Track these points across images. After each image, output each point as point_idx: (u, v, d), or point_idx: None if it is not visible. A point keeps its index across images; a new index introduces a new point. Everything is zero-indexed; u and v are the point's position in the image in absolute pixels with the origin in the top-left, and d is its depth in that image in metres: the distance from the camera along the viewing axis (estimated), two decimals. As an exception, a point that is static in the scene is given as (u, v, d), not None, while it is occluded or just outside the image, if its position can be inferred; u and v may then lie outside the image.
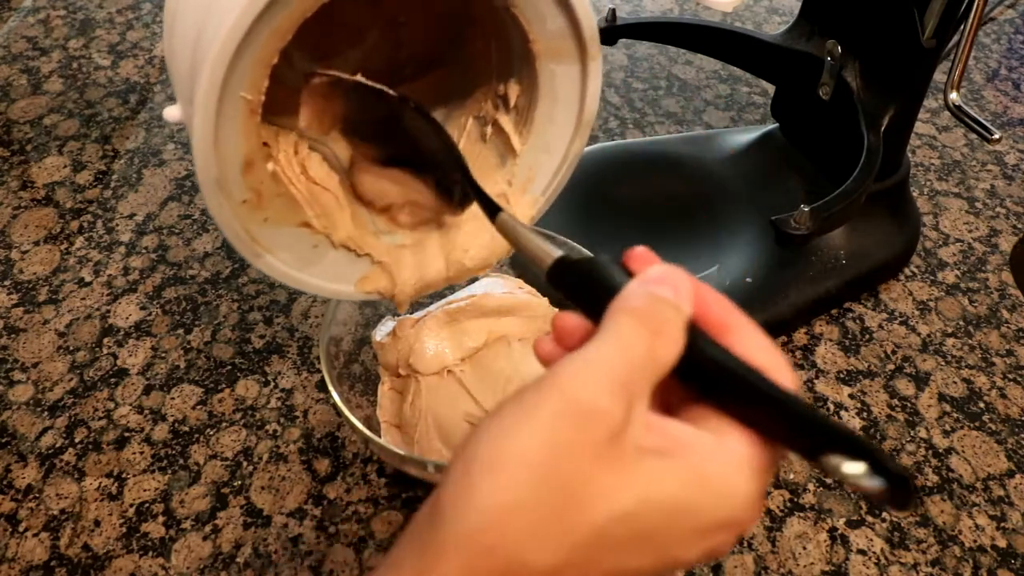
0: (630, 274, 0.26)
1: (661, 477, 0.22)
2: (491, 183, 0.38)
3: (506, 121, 0.38)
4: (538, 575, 0.21)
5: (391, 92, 0.32)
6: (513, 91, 0.37)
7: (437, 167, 0.34)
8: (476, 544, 0.21)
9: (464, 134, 0.39)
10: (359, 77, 0.33)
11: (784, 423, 0.23)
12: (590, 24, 0.33)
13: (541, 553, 0.21)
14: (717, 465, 0.23)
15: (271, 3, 0.26)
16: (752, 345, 0.24)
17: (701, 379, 0.24)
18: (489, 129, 0.39)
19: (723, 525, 0.23)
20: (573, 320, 0.26)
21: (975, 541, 0.45)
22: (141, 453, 0.48)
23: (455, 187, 0.34)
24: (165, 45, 0.32)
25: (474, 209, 0.38)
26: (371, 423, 0.45)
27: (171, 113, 0.31)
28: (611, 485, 0.22)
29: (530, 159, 0.38)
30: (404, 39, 0.39)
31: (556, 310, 0.49)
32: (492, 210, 0.31)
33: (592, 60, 0.34)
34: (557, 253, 0.27)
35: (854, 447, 0.21)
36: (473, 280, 0.50)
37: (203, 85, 0.27)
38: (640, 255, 0.26)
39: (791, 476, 0.47)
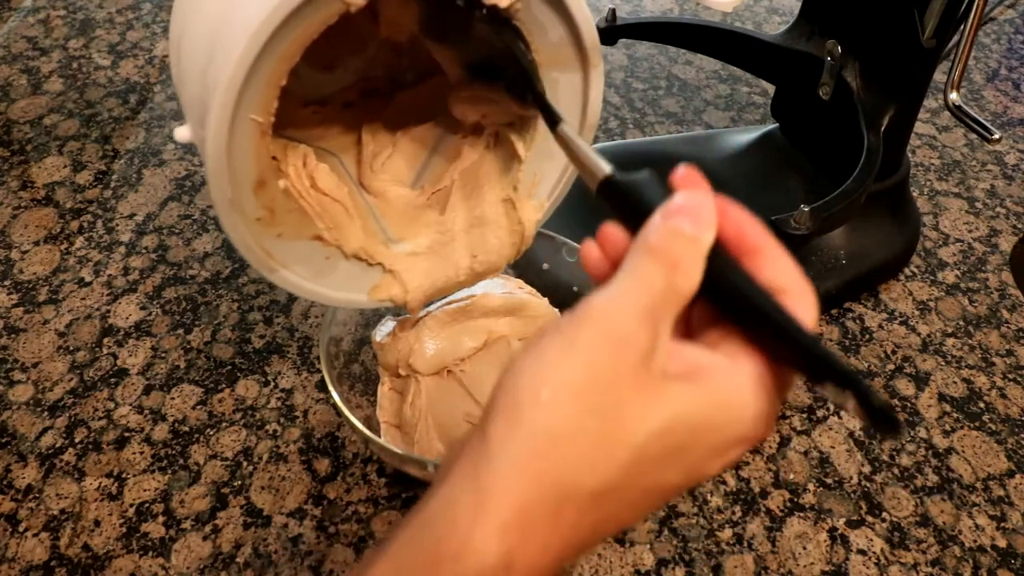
0: (671, 194, 0.26)
1: (685, 399, 0.23)
2: (497, 189, 0.38)
3: (510, 129, 0.38)
4: (589, 495, 0.23)
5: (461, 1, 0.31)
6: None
7: (507, 73, 0.34)
8: (530, 471, 0.22)
9: (468, 142, 0.39)
10: None
11: (790, 350, 0.24)
12: (591, 34, 0.33)
13: (591, 475, 0.22)
14: (732, 386, 0.24)
15: (280, 28, 0.27)
16: (779, 268, 0.25)
17: (721, 303, 0.25)
18: (494, 137, 0.39)
19: (740, 440, 0.25)
20: (618, 232, 0.27)
21: (975, 541, 0.45)
22: (141, 453, 0.48)
23: (524, 92, 0.34)
24: (173, 66, 0.33)
25: (481, 213, 0.38)
26: (371, 423, 0.45)
27: (182, 134, 0.31)
28: (645, 406, 0.23)
29: (535, 165, 0.38)
30: (405, 48, 0.40)
31: (556, 311, 0.49)
32: (553, 120, 0.31)
33: (593, 68, 0.35)
34: (607, 170, 0.28)
35: (846, 379, 0.23)
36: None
37: (215, 111, 0.27)
38: (684, 177, 0.27)
39: (791, 476, 0.47)
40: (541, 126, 0.37)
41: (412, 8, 0.35)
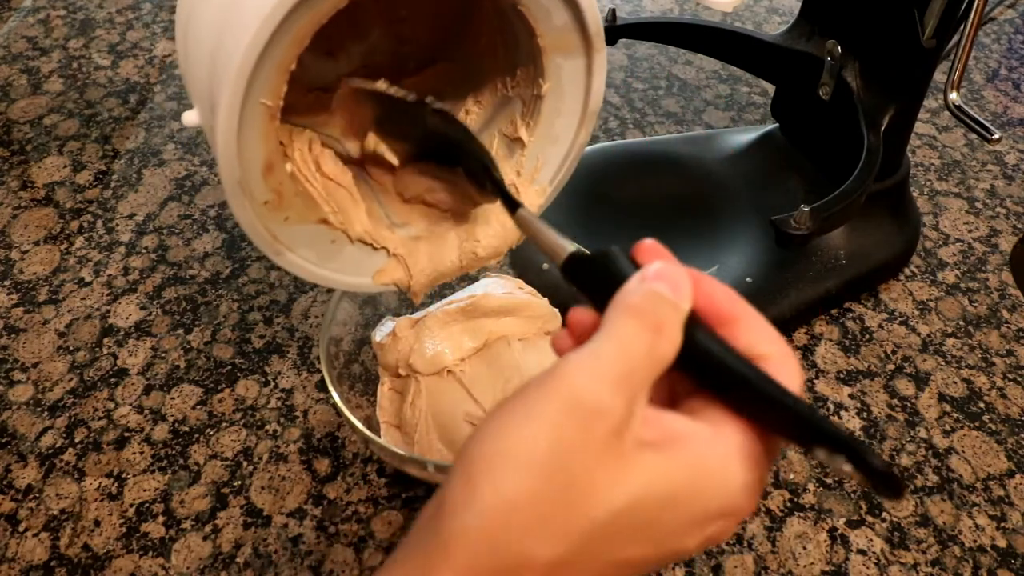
0: (638, 268, 0.26)
1: (660, 470, 0.22)
2: (501, 173, 0.38)
3: (514, 111, 0.38)
4: (542, 568, 0.22)
5: (411, 99, 0.32)
6: (520, 84, 0.37)
7: (465, 161, 0.35)
8: (480, 541, 0.22)
9: (473, 127, 0.40)
10: (382, 85, 0.33)
11: (777, 416, 0.23)
12: (595, 18, 0.33)
13: (544, 547, 0.22)
14: (714, 455, 0.23)
15: (290, 12, 0.27)
16: (757, 336, 0.25)
17: (699, 372, 0.25)
18: (498, 121, 0.39)
19: (721, 514, 0.23)
20: (587, 315, 0.27)
21: (975, 541, 0.45)
22: (141, 453, 0.48)
23: (483, 179, 0.35)
24: (179, 51, 0.33)
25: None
26: (371, 423, 0.45)
27: (189, 118, 0.32)
28: (612, 480, 0.22)
29: (537, 150, 0.38)
30: (406, 34, 0.40)
31: (556, 311, 0.49)
32: (512, 206, 0.32)
33: (597, 53, 0.35)
34: (571, 248, 0.28)
35: (840, 443, 0.22)
36: (473, 280, 0.50)
37: (226, 95, 0.27)
38: (648, 248, 0.26)
39: (791, 476, 0.47)
40: (545, 110, 0.37)
41: (366, 108, 0.35)
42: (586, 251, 0.27)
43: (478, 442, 0.23)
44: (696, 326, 0.24)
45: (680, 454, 0.23)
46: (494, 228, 0.38)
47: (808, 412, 0.23)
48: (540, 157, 0.38)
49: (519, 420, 0.23)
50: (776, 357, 0.24)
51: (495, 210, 0.38)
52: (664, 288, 0.24)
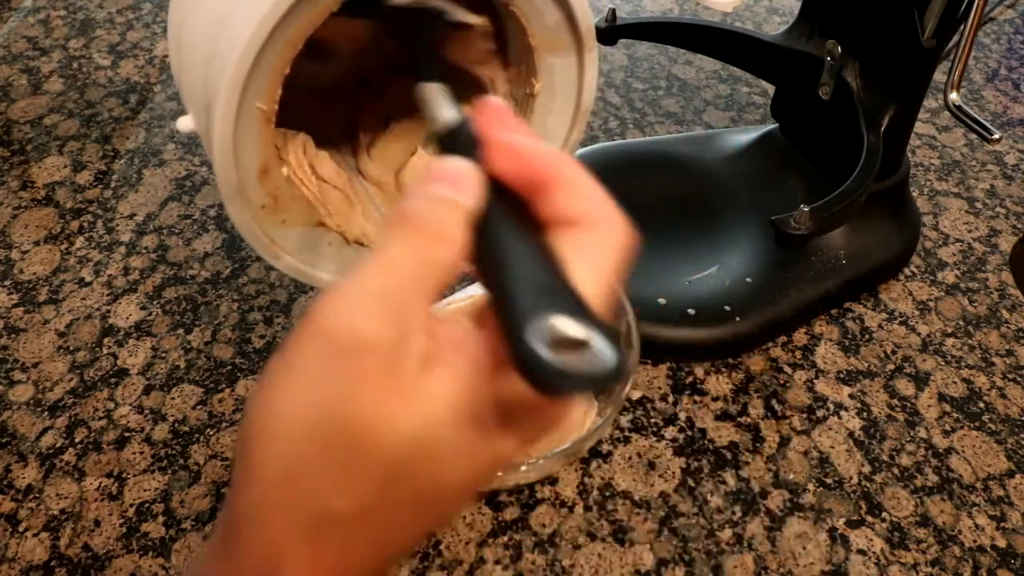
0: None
1: (444, 389, 0.21)
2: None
3: (511, 102, 0.38)
4: (350, 520, 0.21)
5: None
6: (512, 83, 0.37)
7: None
8: (275, 510, 0.21)
9: None
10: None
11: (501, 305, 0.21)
12: (586, 17, 0.34)
13: (342, 500, 0.20)
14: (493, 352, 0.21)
15: (285, 15, 0.27)
16: (568, 199, 0.23)
17: (484, 272, 0.22)
18: None
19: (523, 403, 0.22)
20: None
21: (975, 541, 0.45)
22: (141, 453, 0.48)
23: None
24: (173, 58, 0.33)
25: None
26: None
27: (184, 124, 0.32)
28: (393, 416, 0.20)
29: None
30: (397, 36, 0.40)
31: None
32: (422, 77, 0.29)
33: (588, 52, 0.35)
34: (452, 120, 0.26)
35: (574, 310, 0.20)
36: (473, 280, 0.50)
37: (222, 99, 0.27)
38: (491, 112, 0.24)
39: (791, 476, 0.47)
40: (537, 110, 0.37)
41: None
42: (455, 125, 0.25)
43: (247, 417, 0.21)
44: (494, 215, 0.22)
45: (462, 360, 0.21)
46: None
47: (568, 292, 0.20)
48: None
49: (281, 382, 0.21)
50: (601, 221, 0.22)
51: None
52: (441, 188, 0.22)
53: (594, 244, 0.22)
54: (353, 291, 0.21)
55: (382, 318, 0.20)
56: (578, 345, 0.19)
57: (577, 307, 0.20)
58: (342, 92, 0.40)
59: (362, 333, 0.20)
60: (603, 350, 0.19)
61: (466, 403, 0.21)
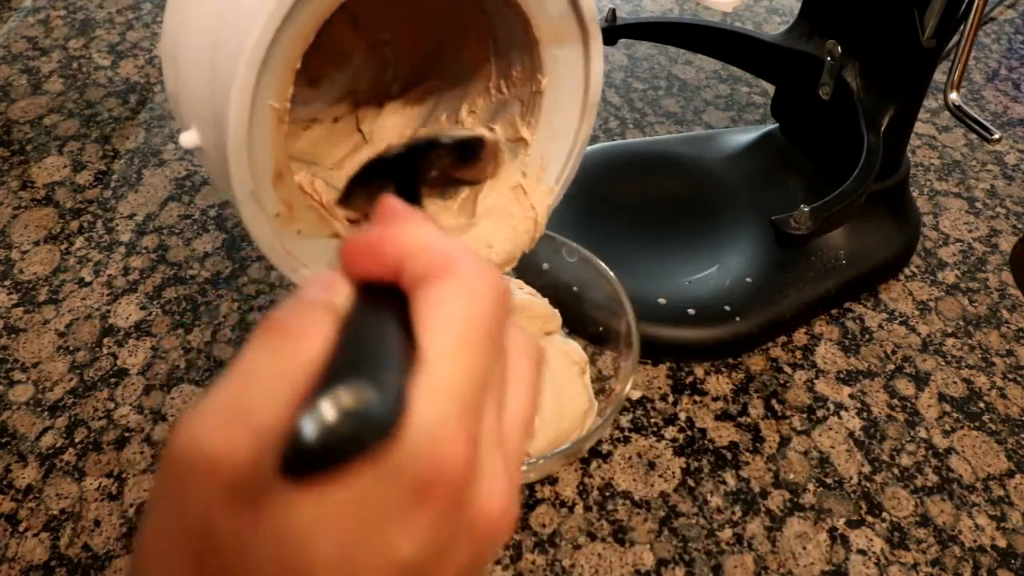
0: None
1: (295, 504, 0.18)
2: (505, 176, 0.38)
3: (513, 113, 0.38)
4: None
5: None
6: (517, 84, 0.37)
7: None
8: None
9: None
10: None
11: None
12: (589, 4, 0.33)
13: None
14: None
15: (296, 3, 0.26)
16: (426, 255, 0.22)
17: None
18: (497, 125, 0.39)
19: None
20: None
21: (975, 541, 0.45)
22: (141, 453, 0.48)
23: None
24: (168, 75, 0.31)
25: (492, 203, 0.38)
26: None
27: (188, 139, 0.30)
28: (251, 536, 0.18)
29: (541, 148, 0.38)
30: (390, 59, 0.40)
31: (556, 311, 0.49)
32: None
33: (593, 40, 0.35)
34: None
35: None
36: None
37: (235, 98, 0.27)
38: (379, 212, 0.25)
39: (791, 476, 0.47)
40: (545, 106, 0.37)
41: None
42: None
43: (135, 552, 0.20)
44: (367, 302, 0.22)
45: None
46: (505, 232, 0.38)
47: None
48: (544, 156, 0.38)
49: (149, 515, 0.20)
50: (439, 273, 0.21)
51: (507, 214, 0.38)
52: (309, 292, 0.22)
53: (443, 295, 0.21)
54: (206, 407, 0.20)
55: (233, 432, 0.19)
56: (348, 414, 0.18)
57: (373, 371, 0.19)
58: (337, 119, 0.40)
59: (211, 450, 0.19)
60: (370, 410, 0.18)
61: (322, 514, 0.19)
